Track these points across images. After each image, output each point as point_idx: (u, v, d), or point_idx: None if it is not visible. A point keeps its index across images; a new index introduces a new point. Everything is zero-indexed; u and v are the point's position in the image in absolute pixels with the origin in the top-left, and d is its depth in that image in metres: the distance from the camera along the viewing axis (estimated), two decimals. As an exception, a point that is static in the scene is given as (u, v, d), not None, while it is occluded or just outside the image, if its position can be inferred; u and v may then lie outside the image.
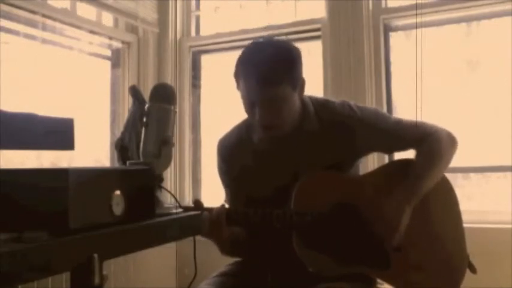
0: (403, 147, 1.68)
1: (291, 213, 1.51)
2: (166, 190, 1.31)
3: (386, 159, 2.48)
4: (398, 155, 1.84)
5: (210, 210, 1.49)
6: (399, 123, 1.64)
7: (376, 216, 1.51)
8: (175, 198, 1.32)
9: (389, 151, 2.00)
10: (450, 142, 1.64)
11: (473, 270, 1.58)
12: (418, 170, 1.58)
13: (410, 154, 1.65)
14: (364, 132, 1.59)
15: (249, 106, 1.52)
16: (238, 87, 1.54)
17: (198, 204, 1.51)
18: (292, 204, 1.53)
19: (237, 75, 1.53)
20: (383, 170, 1.73)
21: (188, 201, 3.15)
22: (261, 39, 1.60)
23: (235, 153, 1.67)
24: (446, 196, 1.65)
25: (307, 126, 1.59)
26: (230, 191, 1.70)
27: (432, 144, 1.60)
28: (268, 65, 1.47)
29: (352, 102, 1.65)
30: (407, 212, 1.51)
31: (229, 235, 1.53)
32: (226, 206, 1.69)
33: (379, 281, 1.62)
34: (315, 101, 1.64)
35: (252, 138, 1.64)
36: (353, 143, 1.59)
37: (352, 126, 1.59)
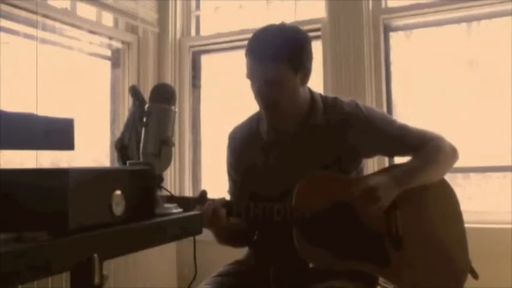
0: (404, 152, 1.69)
1: (292, 208, 1.52)
2: (166, 190, 1.31)
3: (386, 163, 2.48)
4: (400, 159, 1.84)
5: (212, 201, 1.52)
6: (404, 128, 1.65)
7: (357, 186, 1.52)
8: (173, 196, 1.33)
9: (391, 154, 2.01)
10: (451, 152, 1.65)
11: (475, 276, 1.59)
12: (411, 164, 1.61)
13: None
14: (368, 132, 1.61)
15: (251, 83, 1.57)
16: (246, 65, 1.57)
17: (203, 194, 1.53)
18: (292, 202, 1.53)
19: (246, 54, 1.57)
20: (382, 173, 1.73)
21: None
22: (273, 24, 1.64)
23: (244, 149, 1.69)
24: (448, 198, 1.65)
25: (315, 122, 1.61)
26: (235, 185, 1.73)
27: (432, 148, 1.61)
28: (268, 46, 1.52)
29: (360, 102, 1.67)
30: (388, 189, 1.51)
31: (228, 226, 1.53)
32: (229, 197, 1.72)
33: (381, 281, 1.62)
34: (325, 98, 1.67)
35: (261, 133, 1.66)
36: (357, 141, 1.60)
37: (357, 125, 1.61)
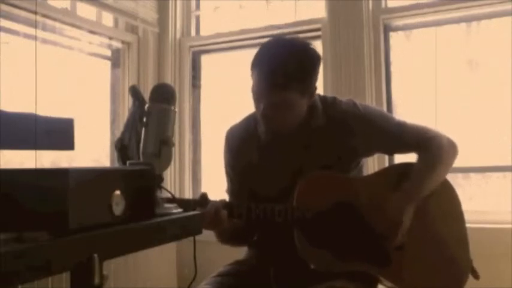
0: (403, 149, 1.69)
1: (293, 208, 1.52)
2: (166, 190, 1.31)
3: (386, 162, 2.48)
4: (399, 158, 1.84)
5: (213, 202, 1.52)
6: (402, 125, 1.65)
7: (377, 216, 1.51)
8: (174, 198, 1.32)
9: (390, 152, 2.01)
10: (451, 149, 1.65)
11: (476, 276, 1.59)
12: (418, 173, 1.59)
13: (411, 157, 1.65)
14: (367, 130, 1.60)
15: (256, 100, 1.54)
16: (251, 76, 1.54)
17: (204, 197, 1.53)
18: (293, 202, 1.53)
19: (252, 66, 1.54)
20: (383, 172, 1.74)
21: (188, 201, 3.14)
22: (284, 37, 1.60)
23: (242, 147, 1.69)
24: (449, 197, 1.65)
25: (314, 123, 1.60)
26: (233, 184, 1.72)
27: (434, 150, 1.61)
28: (279, 68, 1.48)
29: (358, 101, 1.66)
30: (408, 213, 1.52)
31: (229, 226, 1.53)
32: (227, 196, 1.72)
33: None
34: (324, 98, 1.66)
35: (259, 132, 1.65)
36: (356, 140, 1.60)
37: (355, 124, 1.60)
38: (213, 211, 1.47)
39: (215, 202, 1.51)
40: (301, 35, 2.94)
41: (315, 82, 1.56)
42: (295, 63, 1.49)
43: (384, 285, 1.62)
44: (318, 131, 1.60)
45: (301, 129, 1.60)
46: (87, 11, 2.90)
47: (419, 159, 1.62)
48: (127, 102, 3.02)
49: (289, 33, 2.92)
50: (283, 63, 1.49)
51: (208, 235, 1.50)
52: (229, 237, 1.67)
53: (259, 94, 1.51)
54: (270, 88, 1.49)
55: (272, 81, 1.48)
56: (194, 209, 1.46)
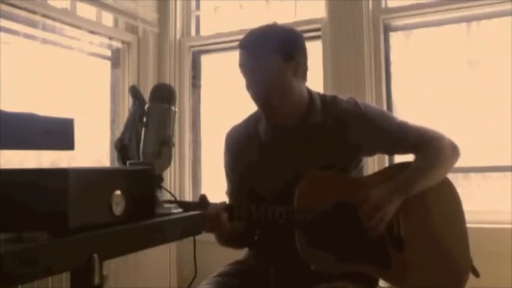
0: (404, 150, 1.69)
1: (293, 210, 1.51)
2: (166, 190, 1.31)
3: (386, 162, 2.48)
4: (399, 158, 1.84)
5: (213, 205, 1.51)
6: (403, 125, 1.64)
7: (363, 205, 1.51)
8: (174, 198, 1.33)
9: (391, 152, 2.01)
10: (452, 151, 1.64)
11: (476, 274, 1.58)
12: (414, 169, 1.59)
13: (411, 157, 1.64)
14: (367, 129, 1.60)
15: (243, 74, 1.58)
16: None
17: (204, 199, 1.53)
18: (294, 203, 1.53)
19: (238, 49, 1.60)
20: (384, 173, 1.74)
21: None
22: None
23: (242, 149, 1.68)
24: (450, 197, 1.65)
25: (313, 121, 1.60)
26: (233, 185, 1.72)
27: (433, 150, 1.60)
28: (258, 39, 1.57)
29: (359, 100, 1.66)
30: (393, 203, 1.51)
31: (229, 229, 1.53)
32: (227, 198, 1.71)
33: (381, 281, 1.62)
34: (323, 97, 1.66)
35: (259, 131, 1.65)
36: (356, 139, 1.60)
37: (356, 123, 1.60)
38: (214, 213, 1.47)
39: (216, 204, 1.50)
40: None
41: (298, 54, 1.58)
42: (272, 32, 1.59)
43: (384, 285, 1.62)
44: (316, 129, 1.60)
45: (300, 127, 1.60)
46: (87, 11, 2.90)
47: (418, 157, 1.61)
48: (127, 102, 3.02)
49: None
50: (262, 35, 1.58)
51: (208, 235, 1.50)
52: (229, 240, 1.66)
53: (242, 68, 1.57)
54: (250, 53, 1.55)
55: (251, 46, 1.56)
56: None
